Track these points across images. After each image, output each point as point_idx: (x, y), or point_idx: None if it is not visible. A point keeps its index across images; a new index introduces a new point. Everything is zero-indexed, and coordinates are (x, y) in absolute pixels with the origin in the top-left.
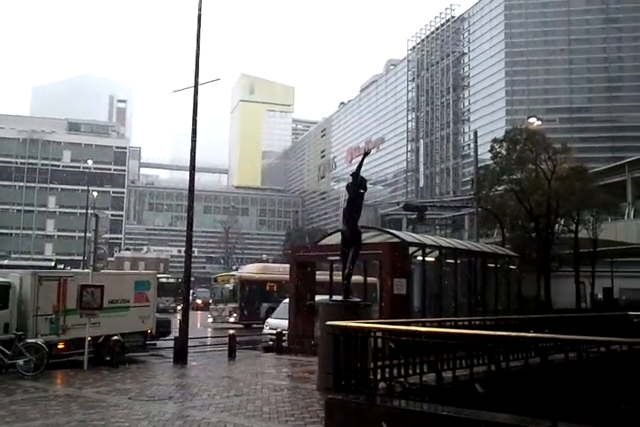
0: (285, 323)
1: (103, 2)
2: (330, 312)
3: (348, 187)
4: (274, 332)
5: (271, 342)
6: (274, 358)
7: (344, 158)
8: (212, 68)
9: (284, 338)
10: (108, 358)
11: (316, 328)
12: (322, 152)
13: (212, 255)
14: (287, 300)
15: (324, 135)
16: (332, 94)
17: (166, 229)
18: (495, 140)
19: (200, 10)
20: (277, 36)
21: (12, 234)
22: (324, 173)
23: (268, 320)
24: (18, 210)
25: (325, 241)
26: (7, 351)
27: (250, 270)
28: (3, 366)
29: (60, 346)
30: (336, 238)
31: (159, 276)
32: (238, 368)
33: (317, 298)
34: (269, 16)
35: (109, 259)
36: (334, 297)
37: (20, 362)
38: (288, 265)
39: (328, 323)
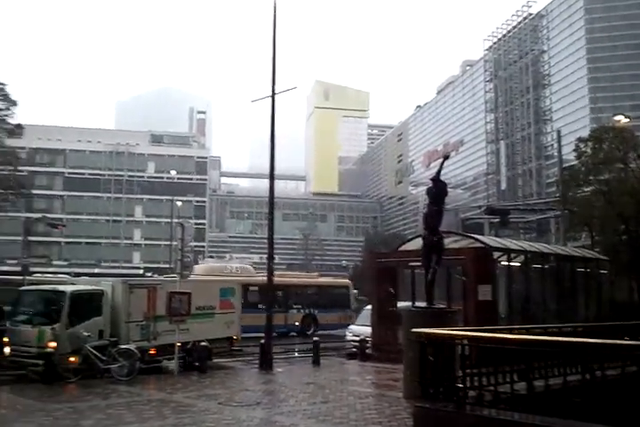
0: (368, 329)
1: (177, 15)
2: (414, 319)
3: (428, 191)
4: (357, 338)
5: (354, 349)
6: (357, 365)
7: (421, 162)
8: (287, 76)
9: (368, 345)
10: (197, 364)
11: (399, 335)
12: (399, 157)
13: (293, 262)
14: (369, 306)
15: (401, 139)
16: (408, 97)
17: (247, 237)
18: (580, 140)
19: (275, 20)
20: (350, 41)
21: (101, 243)
22: (401, 177)
23: (351, 327)
24: (107, 220)
25: (406, 247)
26: (102, 357)
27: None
28: (98, 370)
29: (151, 352)
30: (417, 244)
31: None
32: (323, 375)
33: (400, 304)
34: (341, 22)
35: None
36: (417, 303)
37: (115, 367)
38: (245, 266)
39: (413, 330)
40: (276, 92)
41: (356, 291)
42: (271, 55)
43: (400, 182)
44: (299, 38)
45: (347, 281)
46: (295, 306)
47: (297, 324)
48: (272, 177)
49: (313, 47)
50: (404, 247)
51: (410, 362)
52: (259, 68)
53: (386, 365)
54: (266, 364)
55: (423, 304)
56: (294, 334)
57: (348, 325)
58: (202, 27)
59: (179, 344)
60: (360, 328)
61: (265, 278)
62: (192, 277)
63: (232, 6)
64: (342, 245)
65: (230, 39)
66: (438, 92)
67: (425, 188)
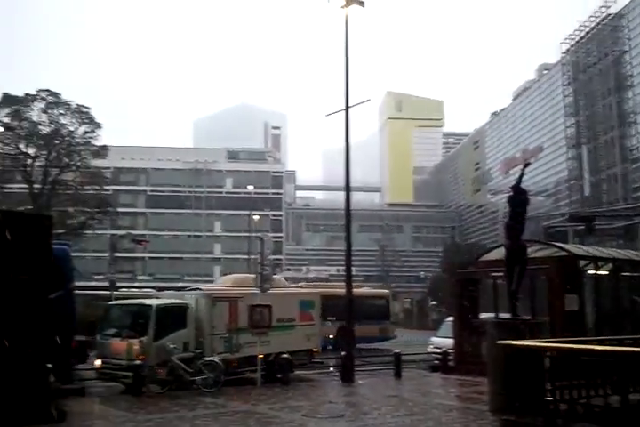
0: (450, 342)
1: (248, 33)
2: (498, 331)
3: (509, 200)
4: (439, 351)
5: (437, 362)
6: (440, 378)
7: (499, 170)
8: (358, 87)
9: (450, 357)
10: (279, 376)
11: (483, 347)
12: (475, 164)
13: (370, 274)
14: (450, 318)
15: (477, 147)
16: (483, 104)
17: (324, 249)
18: None
19: (347, 35)
20: (421, 49)
21: (183, 258)
22: (478, 185)
23: (433, 339)
24: (188, 235)
25: (487, 257)
26: (188, 369)
27: (223, 283)
28: (184, 382)
29: (234, 364)
30: (498, 253)
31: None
32: (405, 387)
33: (482, 316)
34: (410, 30)
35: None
36: (501, 315)
37: (200, 379)
38: (277, 277)
39: (499, 342)
40: (349, 105)
41: (434, 302)
42: (344, 69)
43: (478, 191)
44: (369, 49)
45: (386, 291)
46: (329, 318)
47: (331, 337)
48: (348, 189)
49: (383, 57)
50: (485, 257)
51: (495, 374)
52: (330, 78)
53: (469, 377)
54: (347, 376)
55: (507, 315)
56: (330, 348)
57: (386, 338)
58: (274, 43)
59: (261, 356)
60: (442, 340)
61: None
62: (217, 288)
63: (303, 22)
64: (420, 256)
65: (303, 54)
66: (514, 98)
67: (504, 196)
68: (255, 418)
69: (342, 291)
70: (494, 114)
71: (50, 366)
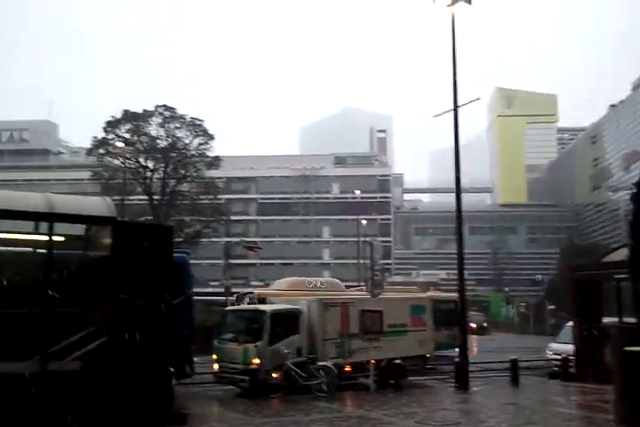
0: (570, 347)
1: (347, 35)
2: (624, 337)
3: (632, 197)
4: (558, 357)
5: (556, 368)
6: (560, 385)
7: (619, 165)
8: (466, 85)
9: (571, 364)
10: (392, 382)
11: (606, 353)
12: (594, 160)
13: (482, 277)
14: (570, 323)
15: (595, 142)
16: (599, 97)
17: (433, 253)
18: None
19: (454, 33)
20: (530, 41)
21: (293, 264)
22: (597, 182)
23: (551, 345)
24: (297, 241)
25: (610, 258)
26: (302, 373)
27: (278, 287)
28: (299, 386)
29: (347, 369)
30: (622, 254)
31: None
32: (523, 395)
33: (605, 320)
34: (517, 22)
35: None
36: (625, 319)
37: (314, 383)
38: (331, 280)
39: (625, 349)
40: (458, 104)
41: (552, 306)
42: (451, 68)
43: (597, 188)
44: (475, 44)
45: (454, 295)
46: None
47: None
48: (458, 191)
49: (491, 52)
50: (607, 258)
51: (621, 383)
52: (436, 77)
53: (591, 385)
54: (462, 382)
55: (632, 320)
56: None
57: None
58: (377, 44)
59: (373, 362)
60: (561, 346)
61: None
62: (274, 292)
63: (406, 22)
64: (535, 258)
65: (406, 54)
66: (634, 89)
67: (627, 193)
68: (370, 424)
69: (407, 295)
70: (613, 106)
71: (172, 370)
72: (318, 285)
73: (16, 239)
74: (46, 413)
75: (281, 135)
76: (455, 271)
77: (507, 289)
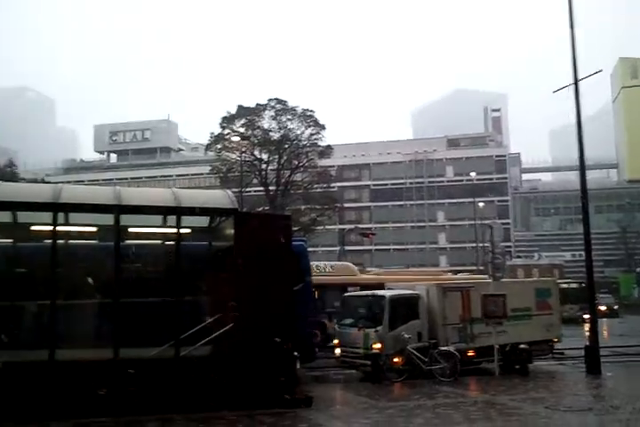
0: None
1: (452, 15)
2: None
3: None
4: None
5: None
6: None
7: None
8: (586, 57)
9: None
10: (517, 367)
11: None
12: None
13: (610, 258)
14: None
15: None
16: None
17: (556, 234)
18: None
19: (570, 4)
20: None
21: (408, 249)
22: None
23: None
24: (412, 226)
25: None
26: (424, 358)
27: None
28: (421, 371)
29: (470, 353)
30: None
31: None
32: None
33: None
34: None
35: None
36: None
37: (436, 368)
38: (345, 264)
39: None
40: (578, 78)
41: None
42: (569, 40)
43: None
44: (594, 12)
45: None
46: None
47: None
48: (583, 168)
49: (613, 20)
50: None
51: None
52: (552, 51)
53: None
54: (593, 367)
55: None
56: None
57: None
58: (486, 23)
59: (497, 346)
60: None
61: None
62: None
63: None
64: None
65: (518, 28)
66: None
67: None
68: (496, 409)
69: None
70: None
71: (296, 354)
72: (328, 269)
73: (147, 233)
74: (180, 396)
75: (391, 121)
76: (581, 253)
77: (638, 270)
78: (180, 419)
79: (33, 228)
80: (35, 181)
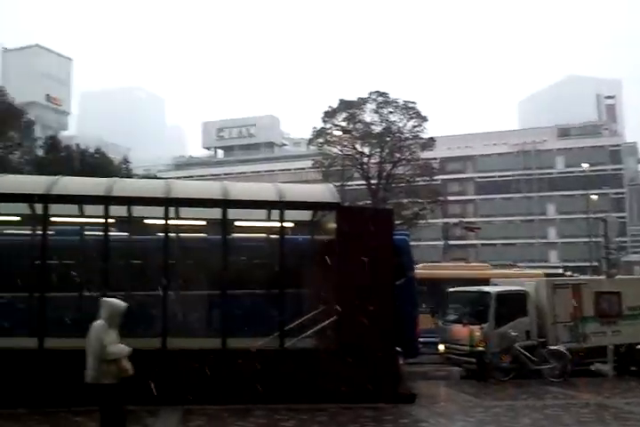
0: None
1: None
2: None
3: None
4: None
5: None
6: None
7: None
8: None
9: None
10: (634, 369)
11: None
12: None
13: None
14: None
15: None
16: None
17: None
18: None
19: None
20: None
21: (515, 244)
22: None
23: None
24: (520, 220)
25: None
26: (532, 357)
27: None
28: (529, 371)
29: (581, 354)
30: None
31: None
32: None
33: None
34: None
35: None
36: None
37: (545, 368)
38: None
39: None
40: None
41: None
42: None
43: None
44: None
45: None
46: None
47: None
48: None
49: None
50: None
51: None
52: None
53: None
54: None
55: None
56: None
57: None
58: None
59: (611, 347)
60: None
61: None
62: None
63: None
64: None
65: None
66: None
67: None
68: (610, 412)
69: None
70: None
71: (399, 349)
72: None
73: (252, 227)
74: (283, 387)
75: (496, 111)
76: None
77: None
78: (283, 409)
79: (146, 221)
80: (147, 177)
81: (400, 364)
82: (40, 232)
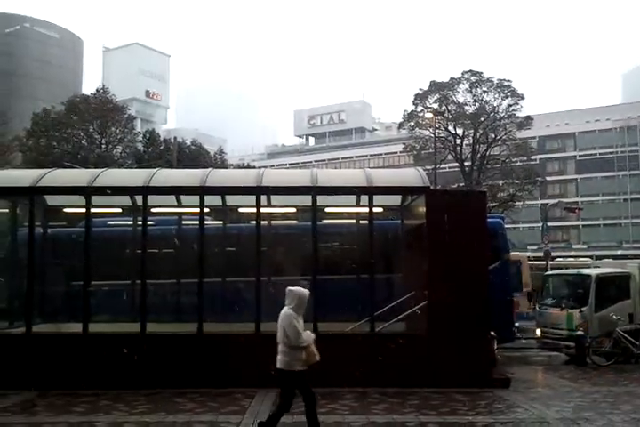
0: None
1: None
2: None
3: None
4: None
5: None
6: None
7: None
8: None
9: None
10: None
11: None
12: None
13: None
14: None
15: None
16: None
17: None
18: None
19: None
20: None
21: (621, 224)
22: None
23: None
24: (624, 199)
25: None
26: (635, 342)
27: None
28: (632, 355)
29: None
30: None
31: None
32: None
33: None
34: None
35: None
36: None
37: None
38: None
39: None
40: None
41: None
42: None
43: None
44: None
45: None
46: None
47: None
48: None
49: None
50: None
51: None
52: None
53: None
54: None
55: None
56: None
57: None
58: None
59: None
60: None
61: None
62: None
63: None
64: None
65: None
66: None
67: None
68: None
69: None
70: None
71: (493, 334)
72: None
73: (342, 212)
74: (374, 370)
75: (596, 86)
76: None
77: None
78: (373, 393)
79: (240, 210)
80: (241, 166)
81: (494, 348)
82: (140, 223)
